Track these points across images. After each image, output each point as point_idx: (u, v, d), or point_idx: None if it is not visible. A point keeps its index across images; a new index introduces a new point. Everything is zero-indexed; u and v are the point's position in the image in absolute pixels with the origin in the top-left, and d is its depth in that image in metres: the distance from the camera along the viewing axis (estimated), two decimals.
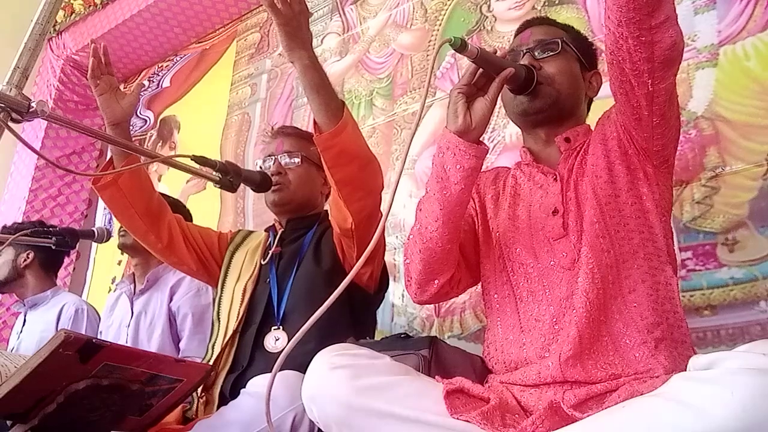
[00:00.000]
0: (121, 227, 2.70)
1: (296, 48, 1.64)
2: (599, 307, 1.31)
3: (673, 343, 1.30)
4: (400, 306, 2.61)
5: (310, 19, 1.68)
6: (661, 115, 1.34)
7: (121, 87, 1.99)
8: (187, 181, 3.88)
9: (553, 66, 1.50)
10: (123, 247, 2.84)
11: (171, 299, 2.73)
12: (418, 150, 2.85)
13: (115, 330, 2.81)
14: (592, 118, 1.58)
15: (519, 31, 1.62)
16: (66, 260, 4.07)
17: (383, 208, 1.48)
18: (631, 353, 1.28)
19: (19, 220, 3.78)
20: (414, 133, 1.32)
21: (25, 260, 3.16)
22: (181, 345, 2.66)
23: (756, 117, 2.03)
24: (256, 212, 3.48)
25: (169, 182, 3.96)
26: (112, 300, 2.99)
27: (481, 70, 1.40)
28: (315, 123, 1.69)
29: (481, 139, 1.42)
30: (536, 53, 1.51)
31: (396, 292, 2.57)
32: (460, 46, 1.31)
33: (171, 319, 2.72)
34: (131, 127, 2.02)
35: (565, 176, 1.46)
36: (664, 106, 1.34)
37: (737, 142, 2.03)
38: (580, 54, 1.55)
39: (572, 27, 1.63)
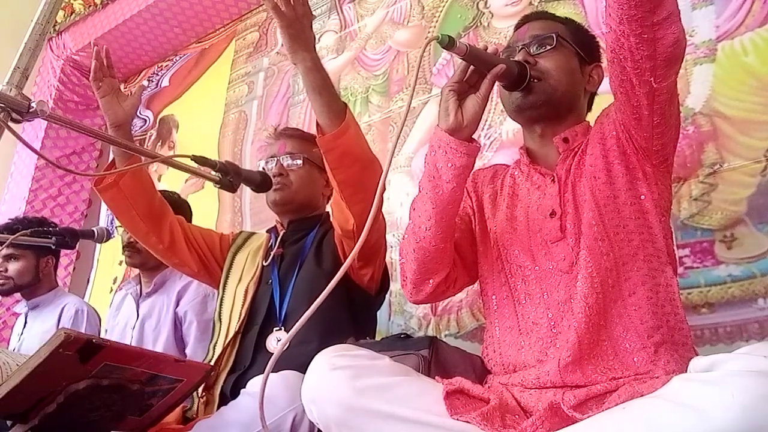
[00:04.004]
0: (124, 248, 2.72)
1: (299, 50, 1.64)
2: (599, 312, 1.31)
3: (673, 346, 1.29)
4: (396, 305, 2.61)
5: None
6: (662, 114, 1.33)
7: (121, 87, 1.99)
8: (186, 181, 3.88)
9: (549, 61, 1.48)
10: (136, 266, 2.85)
11: (177, 304, 2.73)
12: (414, 147, 2.85)
13: (120, 330, 2.81)
14: (595, 113, 1.57)
15: (517, 27, 1.61)
16: (66, 260, 4.07)
17: (376, 208, 1.49)
18: (630, 358, 1.28)
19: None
20: (400, 132, 1.32)
21: (45, 265, 3.17)
22: (188, 351, 2.66)
23: (754, 113, 2.02)
24: (253, 211, 3.48)
25: (169, 182, 3.96)
26: (118, 299, 2.98)
27: (472, 67, 1.39)
28: (318, 124, 1.69)
29: (474, 136, 1.41)
30: (532, 49, 1.50)
31: (393, 291, 2.57)
32: (449, 44, 1.29)
33: (177, 324, 2.72)
34: (131, 128, 2.02)
35: (563, 177, 1.45)
36: (664, 106, 1.32)
37: (735, 139, 2.02)
38: (579, 48, 1.53)
39: (572, 20, 1.61)
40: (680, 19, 1.25)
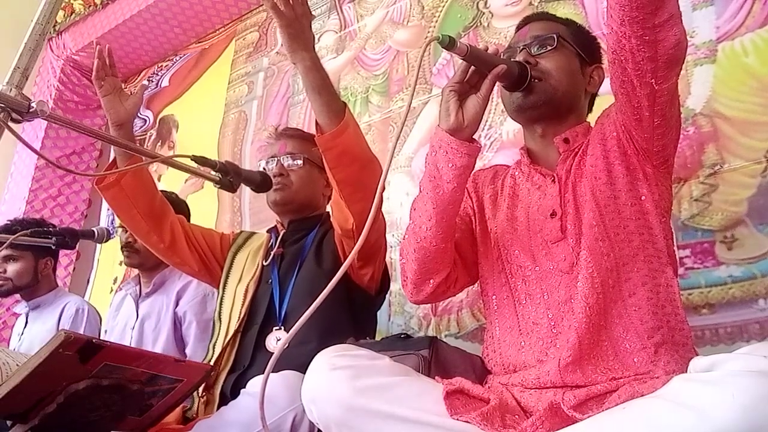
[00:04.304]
0: (123, 249, 2.72)
1: (299, 50, 1.65)
2: (599, 312, 1.30)
3: (674, 346, 1.29)
4: (397, 305, 2.61)
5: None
6: (663, 115, 1.33)
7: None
8: (186, 181, 3.88)
9: (550, 62, 1.48)
10: (135, 267, 2.85)
11: (177, 304, 2.72)
12: (414, 147, 2.84)
13: (119, 331, 2.80)
14: (596, 114, 1.56)
15: (518, 28, 1.60)
16: (66, 260, 4.07)
17: (377, 208, 1.50)
18: (630, 358, 1.28)
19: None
20: (400, 131, 1.32)
21: (44, 266, 3.17)
22: (187, 351, 2.65)
23: (754, 114, 2.02)
24: (253, 211, 3.48)
25: (169, 182, 3.96)
26: (118, 299, 2.98)
27: (473, 67, 1.39)
28: (317, 124, 1.70)
29: (474, 136, 1.41)
30: (533, 49, 1.50)
31: (393, 291, 2.57)
32: (449, 44, 1.29)
33: (176, 323, 2.71)
34: (133, 127, 2.02)
35: (563, 178, 1.45)
36: (665, 107, 1.32)
37: (736, 139, 2.02)
38: (580, 48, 1.53)
39: (573, 21, 1.61)
40: (681, 20, 1.25)
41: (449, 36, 1.29)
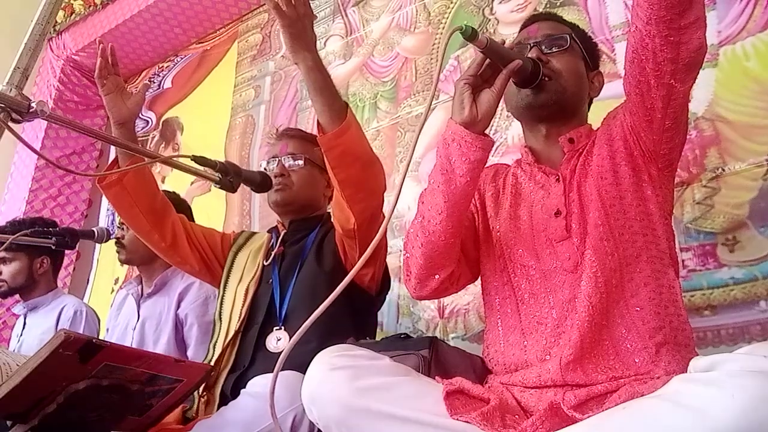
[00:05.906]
0: (117, 243, 2.71)
1: (300, 50, 1.64)
2: (601, 311, 1.30)
3: (676, 347, 1.29)
4: (404, 307, 2.61)
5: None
6: (674, 118, 1.33)
7: None
8: (192, 183, 3.87)
9: (561, 62, 1.48)
10: (124, 262, 2.84)
11: (178, 305, 2.71)
12: (421, 152, 2.84)
13: (121, 331, 2.78)
14: (592, 118, 1.57)
15: (526, 25, 1.60)
16: (66, 260, 4.07)
17: (386, 210, 1.47)
18: (631, 358, 1.27)
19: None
20: (420, 131, 1.29)
21: (40, 266, 3.16)
22: (189, 353, 2.64)
23: (756, 117, 2.03)
24: (262, 214, 3.48)
25: (173, 184, 3.94)
26: (119, 299, 2.96)
27: (487, 61, 1.38)
28: (318, 124, 1.69)
29: (486, 131, 1.40)
30: (544, 47, 1.49)
31: (401, 293, 2.57)
32: (471, 35, 1.28)
33: (178, 325, 2.70)
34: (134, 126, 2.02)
35: (568, 177, 1.45)
36: (678, 110, 1.33)
37: (737, 143, 2.03)
38: (585, 52, 1.54)
39: (577, 26, 1.62)
40: (705, 25, 1.25)
41: (472, 27, 1.28)
